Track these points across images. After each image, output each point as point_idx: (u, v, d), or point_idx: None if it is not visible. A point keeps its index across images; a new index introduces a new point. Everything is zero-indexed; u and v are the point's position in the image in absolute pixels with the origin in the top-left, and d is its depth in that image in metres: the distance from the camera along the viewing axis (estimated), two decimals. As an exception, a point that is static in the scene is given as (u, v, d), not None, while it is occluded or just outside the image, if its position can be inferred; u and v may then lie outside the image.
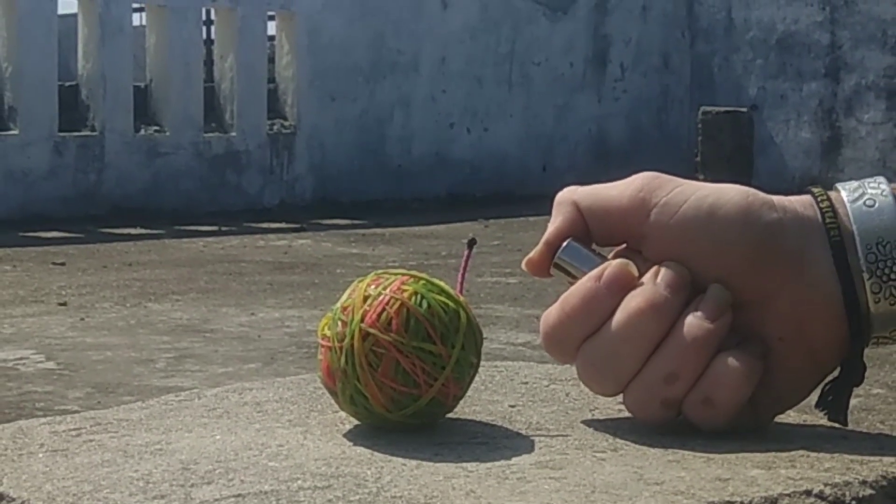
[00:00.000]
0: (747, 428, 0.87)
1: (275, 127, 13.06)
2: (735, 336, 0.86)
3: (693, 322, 0.85)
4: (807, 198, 0.89)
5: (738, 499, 0.74)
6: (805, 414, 0.93)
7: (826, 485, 0.76)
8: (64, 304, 6.89)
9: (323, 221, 11.70)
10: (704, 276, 0.86)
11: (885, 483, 0.78)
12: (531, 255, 0.91)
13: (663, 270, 0.86)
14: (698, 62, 16.13)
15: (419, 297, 0.86)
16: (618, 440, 0.85)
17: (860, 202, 0.87)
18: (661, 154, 15.33)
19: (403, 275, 0.88)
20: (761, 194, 0.88)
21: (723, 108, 11.74)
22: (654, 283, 0.86)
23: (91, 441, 0.87)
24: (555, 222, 0.90)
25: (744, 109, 12.05)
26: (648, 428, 0.87)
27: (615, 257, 0.89)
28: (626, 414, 0.91)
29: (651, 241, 0.88)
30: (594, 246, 0.91)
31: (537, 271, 0.91)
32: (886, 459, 0.81)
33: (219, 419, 0.92)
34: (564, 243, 0.90)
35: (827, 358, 0.88)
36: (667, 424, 0.87)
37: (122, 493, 0.75)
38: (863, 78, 14.84)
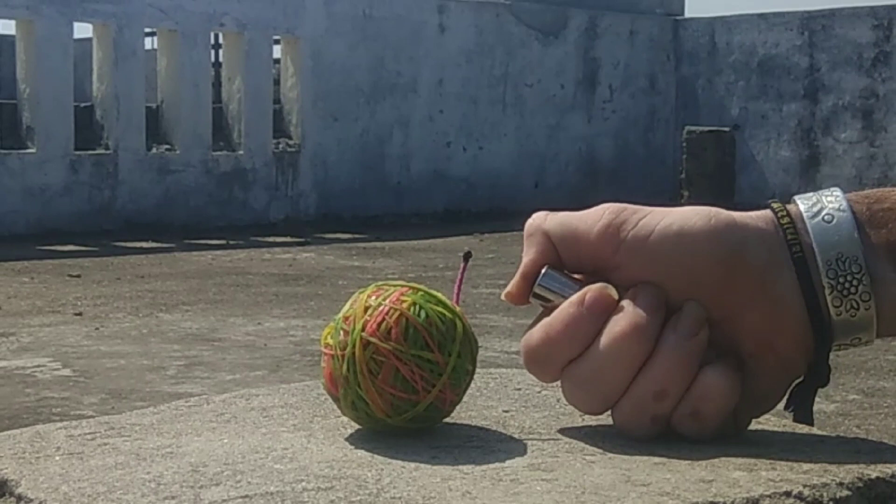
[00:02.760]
0: (728, 435, 0.87)
1: (280, 146, 13.08)
2: (713, 350, 0.86)
3: (676, 340, 0.85)
4: (767, 213, 0.88)
5: (721, 499, 0.74)
6: (785, 419, 0.93)
7: (805, 486, 0.76)
8: (79, 314, 6.89)
9: (326, 235, 11.71)
10: (675, 299, 0.86)
11: (860, 485, 0.78)
12: (509, 288, 0.90)
13: (641, 293, 0.86)
14: (683, 84, 16.15)
15: (417, 307, 0.86)
16: (606, 444, 0.85)
17: (819, 218, 0.86)
18: (648, 171, 15.36)
19: (402, 286, 0.88)
20: (724, 214, 0.87)
21: (706, 128, 11.73)
22: (634, 306, 0.85)
23: (105, 444, 0.87)
24: (529, 254, 0.90)
25: (726, 129, 12.05)
26: (636, 432, 0.87)
27: (590, 281, 0.89)
28: (614, 419, 0.92)
29: (621, 271, 0.87)
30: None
31: (517, 302, 0.90)
32: (862, 462, 0.81)
33: (227, 424, 0.92)
34: (542, 271, 0.89)
35: (795, 366, 0.87)
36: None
37: (134, 494, 0.75)
38: (840, 99, 14.86)
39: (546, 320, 0.87)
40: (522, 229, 0.92)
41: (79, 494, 0.76)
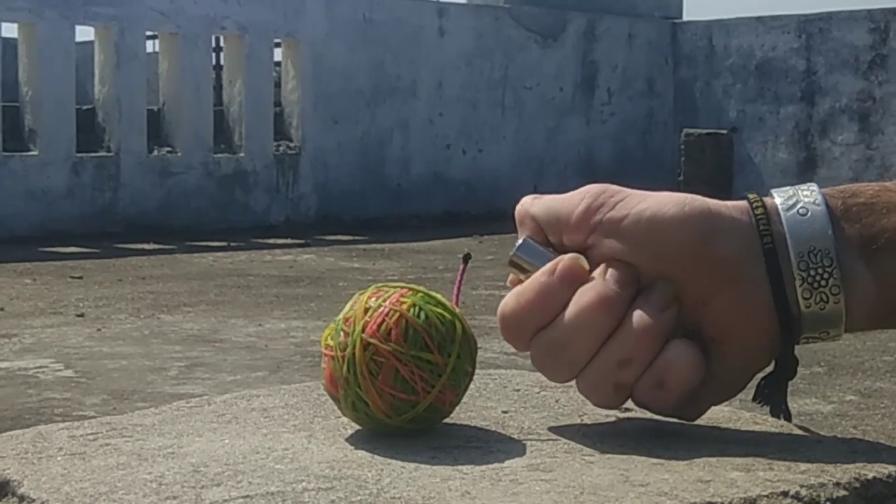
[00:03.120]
0: (687, 418, 0.88)
1: (281, 148, 13.08)
2: (680, 330, 0.86)
3: (644, 311, 0.85)
4: (743, 204, 0.88)
5: (719, 499, 0.74)
6: (781, 421, 0.93)
7: (802, 486, 0.76)
8: (81, 315, 6.89)
9: (326, 237, 11.71)
10: (648, 280, 0.87)
11: (857, 485, 0.78)
12: (512, 276, 0.91)
13: (613, 267, 0.87)
14: (681, 87, 16.15)
15: (417, 308, 0.86)
16: (605, 444, 0.85)
17: (793, 210, 0.87)
18: (646, 174, 15.34)
19: (402, 288, 0.88)
20: (698, 201, 0.87)
21: (704, 130, 11.73)
22: (604, 278, 0.86)
23: (107, 445, 0.87)
24: (521, 237, 0.91)
25: (724, 131, 12.05)
26: (634, 433, 0.87)
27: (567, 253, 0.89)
28: (613, 420, 0.92)
29: (597, 252, 0.88)
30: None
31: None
32: (859, 462, 0.81)
33: (228, 424, 0.92)
34: (520, 240, 0.90)
35: (758, 356, 0.88)
36: (650, 431, 0.87)
37: (136, 494, 0.75)
38: (836, 101, 14.86)
39: (518, 288, 0.89)
40: (521, 232, 0.92)
41: (81, 495, 0.76)
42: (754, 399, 0.90)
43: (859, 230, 0.86)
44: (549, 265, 0.87)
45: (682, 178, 11.11)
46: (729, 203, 0.88)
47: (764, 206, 0.88)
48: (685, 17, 16.72)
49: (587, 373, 0.87)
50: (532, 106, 14.99)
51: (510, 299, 0.88)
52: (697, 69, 16.00)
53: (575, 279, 0.87)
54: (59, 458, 0.84)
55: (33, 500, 0.76)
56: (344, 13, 13.37)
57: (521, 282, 0.90)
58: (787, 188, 0.89)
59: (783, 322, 0.87)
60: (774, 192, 0.89)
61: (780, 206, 0.87)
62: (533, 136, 14.98)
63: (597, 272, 0.87)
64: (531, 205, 0.92)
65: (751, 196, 0.89)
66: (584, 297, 0.86)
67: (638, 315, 0.85)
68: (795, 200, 0.87)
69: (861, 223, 0.87)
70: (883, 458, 0.82)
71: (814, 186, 0.89)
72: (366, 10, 13.57)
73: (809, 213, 0.86)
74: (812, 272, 0.85)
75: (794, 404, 0.92)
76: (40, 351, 5.82)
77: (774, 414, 0.91)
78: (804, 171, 15.06)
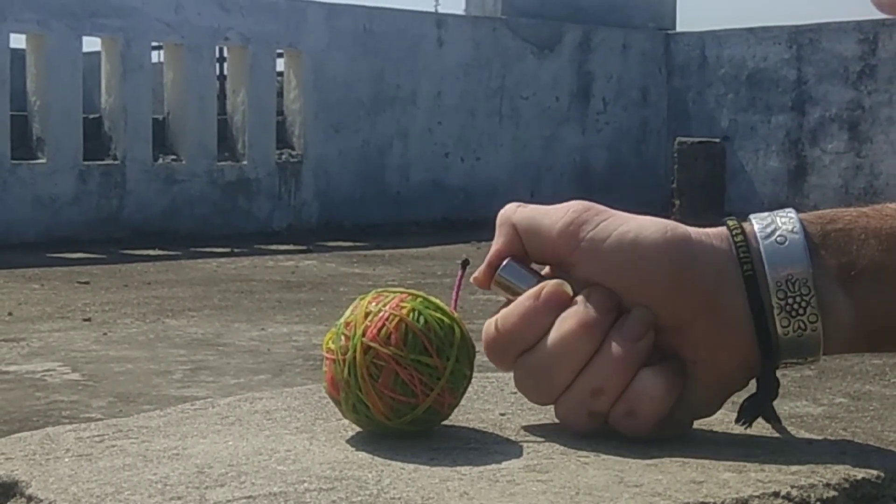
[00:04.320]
0: (666, 435, 0.87)
1: (283, 156, 13.08)
2: (657, 353, 0.86)
3: (619, 342, 0.85)
4: (723, 231, 0.88)
5: (712, 500, 0.74)
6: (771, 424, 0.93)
7: (793, 487, 0.76)
8: (88, 319, 6.88)
9: (327, 243, 11.70)
10: (627, 303, 0.87)
11: (847, 486, 0.78)
12: (476, 273, 0.91)
13: (595, 293, 0.87)
14: (674, 96, 16.16)
15: (416, 313, 0.86)
16: (600, 446, 0.85)
17: (772, 239, 0.86)
18: (640, 181, 15.36)
19: (402, 293, 0.88)
20: (680, 228, 0.87)
21: (697, 139, 11.74)
22: (586, 304, 0.86)
23: (113, 447, 0.87)
24: (496, 243, 0.91)
25: (716, 140, 12.05)
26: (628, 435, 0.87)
27: (551, 276, 0.90)
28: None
29: (578, 270, 0.88)
30: (533, 265, 0.91)
31: (482, 286, 0.92)
32: (848, 463, 0.81)
33: (231, 426, 0.92)
34: (504, 262, 0.90)
35: (733, 380, 0.88)
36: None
37: (141, 494, 0.75)
38: (826, 111, 14.87)
39: (504, 311, 0.89)
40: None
41: (87, 495, 0.76)
42: (737, 420, 0.90)
43: (837, 257, 0.86)
44: (533, 289, 0.88)
45: (676, 185, 11.11)
46: (710, 230, 0.88)
47: (744, 232, 0.87)
48: (678, 29, 16.73)
49: (563, 400, 0.87)
50: (529, 115, 15.00)
51: (494, 322, 0.89)
52: (690, 79, 16.01)
53: (558, 304, 0.87)
54: (67, 460, 0.84)
55: (41, 501, 0.76)
56: (345, 24, 13.38)
57: (508, 302, 0.90)
58: (766, 214, 0.89)
59: (763, 348, 0.86)
60: (753, 218, 0.89)
61: (758, 234, 0.87)
62: (529, 144, 14.99)
63: (579, 297, 0.87)
64: (514, 212, 0.91)
65: (730, 223, 0.88)
66: (565, 323, 0.86)
67: (614, 345, 0.85)
68: (774, 228, 0.87)
69: (839, 249, 0.86)
70: (871, 459, 0.82)
71: (792, 213, 0.88)
72: (366, 21, 13.58)
73: (787, 242, 0.86)
74: (790, 300, 0.85)
75: (784, 407, 0.91)
76: (48, 354, 5.82)
77: (767, 420, 0.91)
78: (795, 179, 15.07)
